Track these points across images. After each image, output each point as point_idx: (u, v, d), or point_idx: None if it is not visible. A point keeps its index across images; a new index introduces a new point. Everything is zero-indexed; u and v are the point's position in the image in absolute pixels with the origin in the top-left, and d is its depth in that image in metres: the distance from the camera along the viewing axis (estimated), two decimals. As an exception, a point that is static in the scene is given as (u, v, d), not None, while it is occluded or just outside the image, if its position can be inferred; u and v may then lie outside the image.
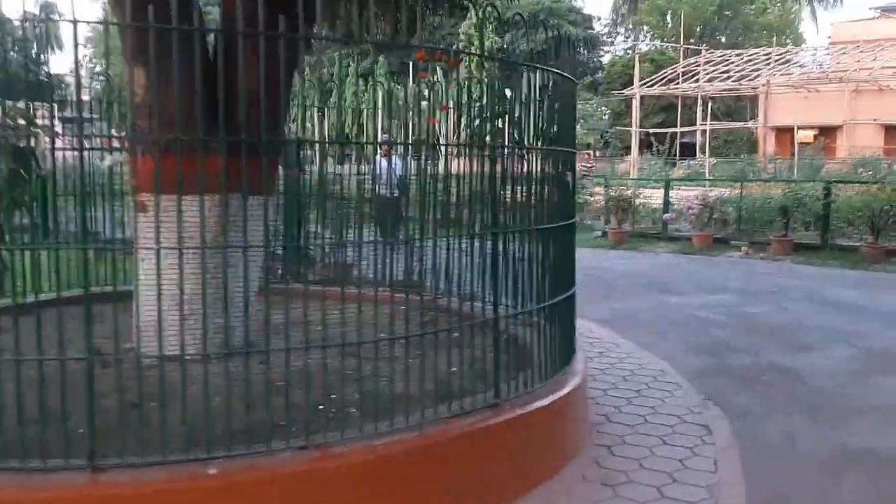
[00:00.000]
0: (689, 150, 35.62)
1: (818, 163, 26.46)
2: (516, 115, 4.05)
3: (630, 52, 46.85)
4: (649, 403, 5.25)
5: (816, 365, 6.49)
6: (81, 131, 2.81)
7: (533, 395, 4.02)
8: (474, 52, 3.68)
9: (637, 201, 17.00)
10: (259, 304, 3.62)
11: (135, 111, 3.67)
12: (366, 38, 3.91)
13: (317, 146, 6.22)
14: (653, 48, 46.58)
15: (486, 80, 4.00)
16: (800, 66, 33.44)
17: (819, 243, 14.09)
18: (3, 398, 2.96)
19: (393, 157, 6.98)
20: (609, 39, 51.98)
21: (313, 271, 6.42)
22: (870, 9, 40.93)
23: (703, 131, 33.66)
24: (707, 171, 28.46)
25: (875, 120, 30.97)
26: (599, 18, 51.54)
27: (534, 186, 4.29)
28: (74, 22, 2.81)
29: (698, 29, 47.92)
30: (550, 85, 4.30)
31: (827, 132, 32.65)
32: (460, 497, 3.51)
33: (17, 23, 3.55)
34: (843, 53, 31.73)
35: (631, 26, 52.39)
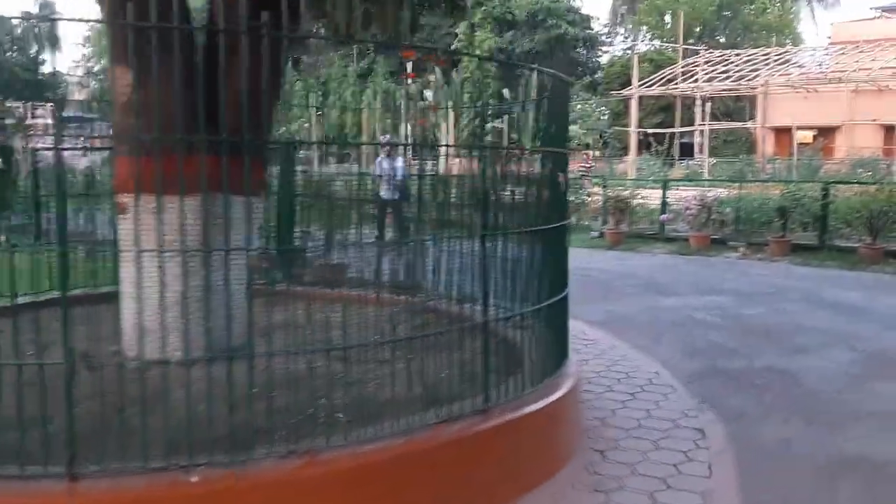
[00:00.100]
0: (687, 151, 35.55)
1: (817, 163, 26.41)
2: (510, 115, 4.00)
3: (629, 52, 46.77)
4: (644, 407, 5.19)
5: (813, 368, 6.43)
6: (59, 130, 2.74)
7: (523, 400, 3.96)
8: (470, 52, 3.61)
9: (635, 202, 16.94)
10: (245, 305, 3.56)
11: (117, 110, 3.60)
12: (355, 37, 3.84)
13: (313, 145, 6.15)
14: (652, 48, 46.50)
15: (480, 80, 3.94)
16: (799, 66, 33.35)
17: (817, 244, 14.02)
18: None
19: (396, 159, 6.93)
20: (608, 39, 51.89)
21: (306, 272, 6.36)
22: (870, 9, 40.86)
23: (702, 132, 33.59)
24: (706, 171, 28.39)
25: (874, 120, 30.90)
26: (598, 18, 51.53)
27: (526, 187, 4.23)
28: (51, 19, 2.75)
29: (697, 29, 47.84)
30: (544, 86, 4.25)
31: (826, 132, 32.58)
32: (449, 504, 3.45)
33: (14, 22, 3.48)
34: (843, 54, 31.67)
35: (630, 26, 52.34)
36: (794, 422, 5.12)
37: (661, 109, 39.02)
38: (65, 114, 4.95)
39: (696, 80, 32.27)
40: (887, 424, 5.11)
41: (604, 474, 4.05)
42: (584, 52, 44.37)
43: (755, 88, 31.83)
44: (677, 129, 34.90)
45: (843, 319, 8.45)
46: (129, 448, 2.91)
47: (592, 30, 46.55)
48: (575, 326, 6.40)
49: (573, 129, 33.40)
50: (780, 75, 31.53)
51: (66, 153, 4.83)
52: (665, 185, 17.08)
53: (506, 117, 3.97)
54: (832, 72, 30.47)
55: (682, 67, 33.71)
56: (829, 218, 14.11)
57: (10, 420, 2.88)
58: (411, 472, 3.33)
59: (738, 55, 34.06)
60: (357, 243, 4.61)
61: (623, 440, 4.56)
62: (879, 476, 4.26)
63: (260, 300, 3.78)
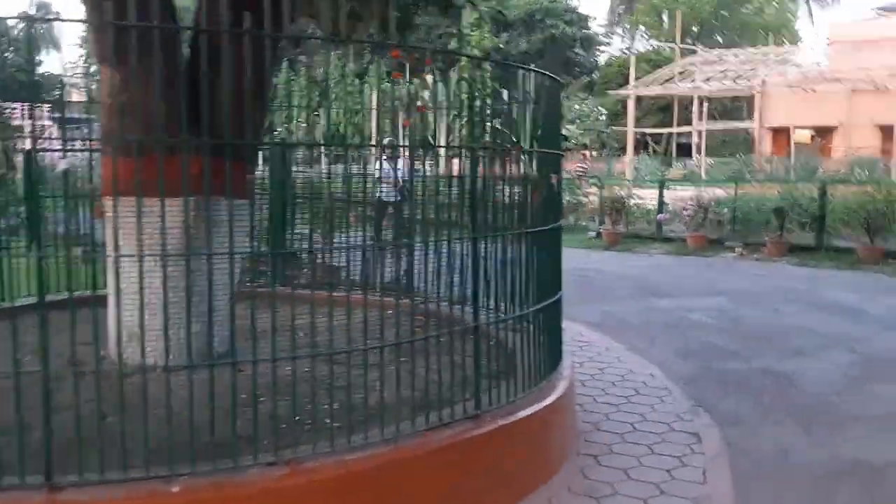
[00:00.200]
0: (685, 151, 35.49)
1: (814, 163, 26.36)
2: (503, 116, 3.94)
3: (626, 51, 46.76)
4: (638, 410, 5.13)
5: (810, 370, 6.37)
6: (34, 132, 2.68)
7: (516, 405, 3.89)
8: (462, 52, 3.55)
9: (631, 202, 16.89)
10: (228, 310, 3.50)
11: (102, 111, 3.54)
12: (341, 36, 3.78)
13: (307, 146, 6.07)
14: (649, 48, 46.46)
15: (475, 80, 3.88)
16: (797, 66, 33.27)
17: (814, 244, 13.96)
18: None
19: (397, 160, 6.86)
20: (606, 39, 51.84)
21: (299, 274, 6.30)
22: (869, 9, 40.86)
23: (700, 132, 33.53)
24: (703, 171, 28.34)
25: (872, 120, 30.85)
26: (596, 18, 51.45)
27: (518, 188, 4.16)
28: (30, 19, 2.68)
29: (695, 28, 47.79)
30: (536, 86, 4.18)
31: (824, 133, 32.53)
32: (438, 512, 3.38)
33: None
34: (841, 53, 31.62)
35: (627, 26, 52.30)
36: (790, 425, 5.06)
37: (659, 109, 38.95)
38: (60, 115, 4.88)
39: (693, 80, 32.22)
40: (885, 427, 5.04)
41: (597, 480, 3.99)
42: (582, 51, 44.28)
43: (753, 88, 31.77)
44: (675, 129, 34.84)
45: (841, 320, 8.39)
46: (109, 457, 2.84)
47: (590, 30, 46.49)
48: (570, 328, 6.34)
49: (571, 129, 33.41)
50: (778, 75, 31.47)
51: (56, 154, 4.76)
52: (662, 186, 17.03)
53: (498, 119, 3.90)
54: (830, 72, 30.42)
55: (680, 67, 33.66)
56: (826, 218, 14.05)
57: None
58: (399, 480, 3.26)
59: (735, 55, 34.02)
60: (353, 245, 4.54)
61: (617, 444, 4.50)
62: (878, 481, 4.19)
63: (248, 303, 3.71)
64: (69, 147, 4.19)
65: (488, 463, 3.61)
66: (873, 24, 34.91)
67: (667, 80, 32.94)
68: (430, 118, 3.86)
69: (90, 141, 4.28)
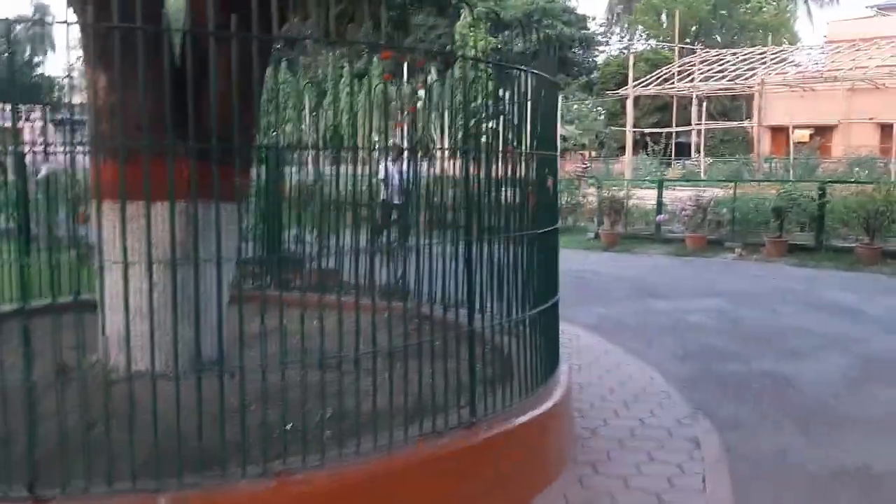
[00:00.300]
0: (684, 151, 35.45)
1: (813, 162, 26.32)
2: (498, 117, 3.87)
3: (625, 51, 46.70)
4: (637, 415, 5.06)
5: (809, 372, 6.31)
6: (16, 134, 2.61)
7: (512, 412, 3.82)
8: (458, 53, 3.49)
9: (630, 202, 16.83)
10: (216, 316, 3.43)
11: (91, 114, 3.47)
12: (331, 37, 3.71)
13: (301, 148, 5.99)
14: (648, 48, 46.43)
15: (471, 81, 3.81)
16: (795, 65, 33.21)
17: (814, 245, 13.90)
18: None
19: (401, 164, 6.79)
20: (604, 39, 51.80)
21: (295, 277, 6.22)
22: (866, 7, 40.76)
23: (699, 131, 33.48)
24: (702, 171, 28.29)
25: (871, 119, 30.82)
26: (594, 18, 51.31)
27: (514, 191, 4.10)
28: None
29: (693, 28, 47.76)
30: (531, 87, 4.11)
31: (822, 131, 32.51)
32: (432, 522, 3.31)
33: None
34: (839, 52, 31.56)
35: (626, 25, 52.27)
36: (790, 429, 5.00)
37: (658, 109, 38.92)
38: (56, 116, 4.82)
39: (692, 80, 32.15)
40: (885, 431, 4.98)
41: (596, 489, 3.92)
42: (581, 51, 44.26)
43: (751, 87, 31.69)
44: (674, 129, 34.78)
45: (841, 322, 8.34)
46: (95, 469, 2.77)
47: (588, 30, 46.46)
48: (568, 331, 6.29)
49: (569, 129, 33.37)
50: (777, 74, 31.39)
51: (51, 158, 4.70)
52: (661, 186, 16.96)
53: (492, 120, 3.83)
54: (828, 70, 30.32)
55: (679, 67, 33.57)
56: (825, 218, 13.99)
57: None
58: (392, 490, 3.20)
59: (734, 54, 33.93)
60: (350, 248, 4.46)
61: (615, 451, 4.43)
62: (877, 485, 4.14)
63: (239, 308, 3.64)
64: (53, 151, 4.13)
65: (484, 472, 3.54)
66: (871, 22, 34.87)
67: (665, 80, 32.87)
68: (423, 120, 3.79)
69: (73, 145, 4.21)
